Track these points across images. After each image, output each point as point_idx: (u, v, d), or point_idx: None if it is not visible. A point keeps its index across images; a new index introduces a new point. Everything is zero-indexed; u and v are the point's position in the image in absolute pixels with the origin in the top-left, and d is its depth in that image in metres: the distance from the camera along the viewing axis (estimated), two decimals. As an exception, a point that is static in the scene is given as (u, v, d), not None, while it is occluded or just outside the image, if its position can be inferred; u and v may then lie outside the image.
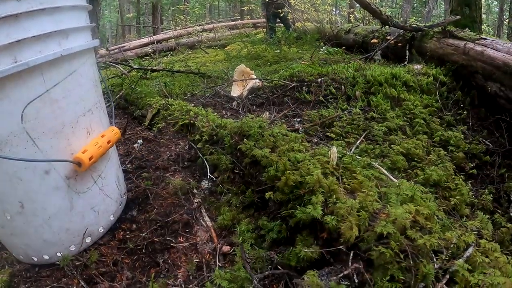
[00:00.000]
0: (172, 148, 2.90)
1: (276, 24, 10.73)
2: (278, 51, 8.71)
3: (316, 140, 2.93)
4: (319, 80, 3.78)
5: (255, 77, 3.98)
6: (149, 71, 7.05)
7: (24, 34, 1.54)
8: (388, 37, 5.73)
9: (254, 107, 3.61)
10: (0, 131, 1.60)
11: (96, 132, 1.98)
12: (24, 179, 1.72)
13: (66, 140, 1.79)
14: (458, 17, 5.52)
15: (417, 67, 4.50)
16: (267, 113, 3.18)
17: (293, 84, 3.75)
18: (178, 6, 18.13)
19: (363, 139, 3.07)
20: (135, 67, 7.13)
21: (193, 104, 3.69)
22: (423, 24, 5.32)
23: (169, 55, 12.51)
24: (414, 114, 3.53)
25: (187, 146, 2.86)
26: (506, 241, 2.46)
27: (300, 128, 3.09)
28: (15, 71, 1.52)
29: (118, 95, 5.22)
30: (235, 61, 8.41)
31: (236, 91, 3.93)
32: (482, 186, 3.12)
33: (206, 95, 4.09)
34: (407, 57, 5.08)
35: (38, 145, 1.69)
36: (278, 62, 7.55)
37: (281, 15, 10.27)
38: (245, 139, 2.36)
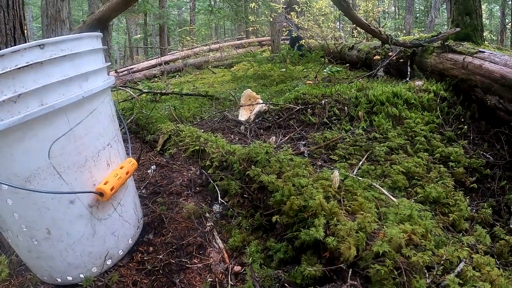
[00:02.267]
0: (184, 173, 3.08)
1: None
2: (284, 69, 8.90)
3: (320, 163, 3.08)
4: (323, 102, 3.95)
5: (261, 101, 4.16)
6: (158, 94, 7.27)
7: (48, 79, 1.73)
8: (390, 53, 5.87)
9: (261, 131, 3.79)
10: (29, 166, 1.77)
11: (115, 163, 2.16)
12: (51, 208, 1.90)
13: (89, 172, 1.97)
14: (457, 29, 5.56)
15: (418, 83, 4.63)
16: (274, 137, 3.35)
17: (298, 108, 3.92)
18: (185, 28, 18.50)
19: (365, 160, 3.21)
20: (144, 90, 7.36)
21: (202, 130, 3.86)
22: (423, 39, 5.44)
23: (177, 76, 12.78)
24: (415, 132, 3.66)
25: (198, 172, 3.03)
26: (505, 253, 2.58)
27: (305, 151, 3.25)
28: (42, 113, 1.70)
29: (130, 119, 5.43)
30: (242, 82, 8.62)
31: (243, 115, 4.11)
32: (482, 199, 3.22)
33: (215, 119, 4.27)
34: (408, 73, 5.23)
35: (64, 178, 1.87)
36: (284, 82, 7.75)
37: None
38: (252, 166, 2.53)
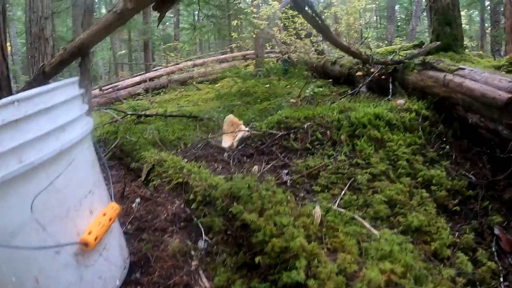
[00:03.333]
0: (169, 207, 3.10)
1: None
2: (268, 85, 8.96)
3: (302, 194, 3.12)
4: (306, 125, 3.99)
5: (244, 128, 4.20)
6: (142, 116, 7.29)
7: (25, 136, 1.73)
8: (372, 70, 5.94)
9: (244, 158, 3.82)
10: (13, 222, 1.78)
11: (97, 210, 2.17)
12: (37, 259, 1.91)
13: (72, 222, 1.99)
14: (438, 43, 5.68)
15: (400, 102, 4.68)
16: (256, 166, 3.38)
17: (280, 133, 3.96)
18: (169, 44, 18.55)
19: (347, 190, 3.25)
20: (129, 112, 7.38)
21: (185, 159, 3.89)
22: (405, 56, 5.52)
23: (162, 92, 12.81)
24: (398, 156, 3.71)
25: (182, 205, 3.06)
26: (487, 279, 2.64)
27: (288, 180, 3.29)
28: (22, 171, 1.72)
29: (114, 144, 5.44)
30: (226, 100, 8.67)
31: (226, 141, 4.15)
32: (466, 222, 3.26)
33: (199, 145, 4.30)
34: (390, 90, 5.29)
35: (48, 230, 1.88)
36: (268, 99, 7.82)
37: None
38: (235, 202, 2.56)
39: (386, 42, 14.43)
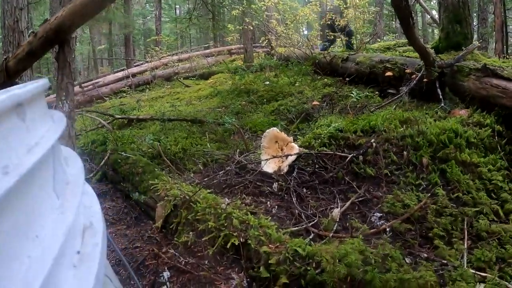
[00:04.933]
0: (223, 286, 1.83)
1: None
2: (268, 82, 7.74)
3: (417, 252, 1.94)
4: (373, 144, 2.79)
5: (296, 146, 2.95)
6: (134, 120, 5.95)
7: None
8: (407, 71, 4.84)
9: (304, 189, 2.58)
10: None
11: None
12: None
13: None
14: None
15: (463, 112, 3.62)
16: (337, 209, 2.16)
17: (349, 156, 2.73)
18: (151, 38, 17.00)
19: (468, 240, 2.12)
20: (117, 116, 6.01)
21: (213, 188, 2.64)
22: (451, 60, 4.47)
23: (146, 89, 11.37)
24: (494, 185, 2.63)
25: (245, 282, 1.79)
26: None
27: (387, 228, 2.09)
28: None
29: (103, 160, 4.11)
30: (225, 99, 7.39)
31: (270, 165, 2.89)
32: None
33: (227, 168, 3.04)
34: (441, 97, 4.17)
35: None
36: (275, 98, 6.56)
37: (346, 29, 8.95)
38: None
39: (378, 39, 13.34)
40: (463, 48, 4.90)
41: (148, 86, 11.78)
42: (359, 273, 1.50)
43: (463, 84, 4.05)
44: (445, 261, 1.92)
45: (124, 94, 11.03)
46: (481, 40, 14.04)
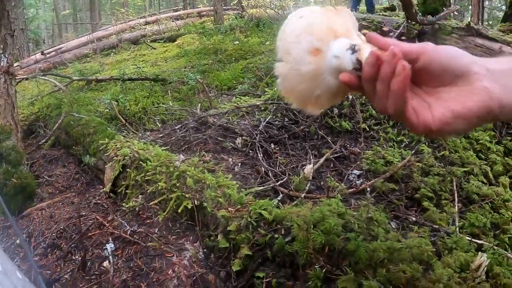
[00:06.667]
0: (175, 259, 1.50)
1: None
2: (237, 42, 7.36)
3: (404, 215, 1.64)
4: (350, 96, 2.47)
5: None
6: (93, 82, 5.48)
7: None
8: (384, 28, 4.55)
9: (272, 145, 2.25)
10: None
11: None
12: None
13: None
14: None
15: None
16: (309, 166, 1.84)
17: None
18: (117, -1, 16.11)
19: (459, 203, 1.85)
20: (75, 78, 5.52)
21: (170, 146, 2.29)
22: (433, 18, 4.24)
23: (112, 53, 10.75)
24: (482, 145, 2.36)
25: (202, 253, 1.47)
26: None
27: (367, 188, 1.79)
28: None
29: (56, 125, 3.69)
30: (192, 58, 6.94)
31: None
32: None
33: (186, 123, 2.68)
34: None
35: None
36: (244, 57, 6.16)
37: None
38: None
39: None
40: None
41: (114, 50, 11.14)
42: (339, 241, 1.19)
43: (445, 43, 3.80)
44: (437, 226, 1.64)
45: (88, 59, 10.38)
46: (456, 14, 13.81)
